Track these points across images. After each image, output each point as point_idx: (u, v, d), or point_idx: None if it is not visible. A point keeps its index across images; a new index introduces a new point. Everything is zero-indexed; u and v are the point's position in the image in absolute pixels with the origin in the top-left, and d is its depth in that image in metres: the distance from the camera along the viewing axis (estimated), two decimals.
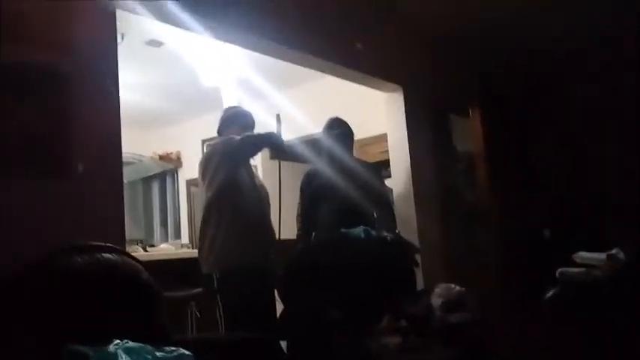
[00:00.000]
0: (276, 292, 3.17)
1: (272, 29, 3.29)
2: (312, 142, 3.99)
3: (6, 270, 1.82)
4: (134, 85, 5.22)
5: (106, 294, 2.00)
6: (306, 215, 3.65)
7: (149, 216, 7.38)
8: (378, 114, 4.60)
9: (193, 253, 3.79)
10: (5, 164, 2.13)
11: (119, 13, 2.58)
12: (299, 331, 2.57)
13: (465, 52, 4.63)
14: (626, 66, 4.02)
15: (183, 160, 7.05)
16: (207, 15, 2.93)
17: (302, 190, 3.73)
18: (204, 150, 6.37)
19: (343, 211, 3.43)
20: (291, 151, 3.56)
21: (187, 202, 6.99)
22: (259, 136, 3.24)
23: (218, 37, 3.18)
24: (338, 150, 3.68)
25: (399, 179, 4.29)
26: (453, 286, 2.73)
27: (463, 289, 2.71)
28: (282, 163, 3.37)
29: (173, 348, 1.88)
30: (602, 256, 2.71)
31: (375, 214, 3.62)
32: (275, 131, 3.25)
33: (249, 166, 3.33)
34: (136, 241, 4.62)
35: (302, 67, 3.91)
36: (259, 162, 5.80)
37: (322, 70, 4.00)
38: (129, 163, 6.30)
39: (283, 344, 2.56)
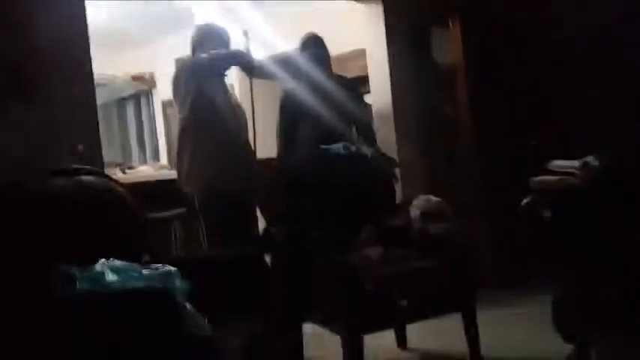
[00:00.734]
0: (258, 209, 3.20)
1: None
2: (287, 60, 3.91)
3: None
4: (102, 3, 5.00)
5: (88, 215, 2.00)
6: (285, 134, 3.65)
7: (125, 138, 7.30)
8: (356, 28, 4.49)
9: (173, 174, 3.79)
10: None
11: None
12: (281, 246, 2.62)
13: None
14: None
15: (157, 80, 6.88)
16: None
17: (280, 109, 3.69)
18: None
19: (322, 129, 3.42)
20: (263, 69, 3.50)
21: (164, 124, 6.90)
22: (226, 53, 3.18)
23: None
24: (315, 67, 3.62)
25: (378, 95, 4.25)
26: (431, 197, 2.78)
27: (441, 200, 2.76)
28: (255, 81, 3.31)
29: (159, 265, 1.91)
30: (577, 163, 2.76)
31: (353, 131, 3.63)
32: (243, 48, 3.18)
33: (224, 84, 3.27)
34: (113, 164, 4.57)
35: None
36: (235, 81, 5.69)
37: None
38: (101, 85, 6.13)
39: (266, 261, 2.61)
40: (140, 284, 1.79)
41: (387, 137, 4.06)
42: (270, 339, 1.93)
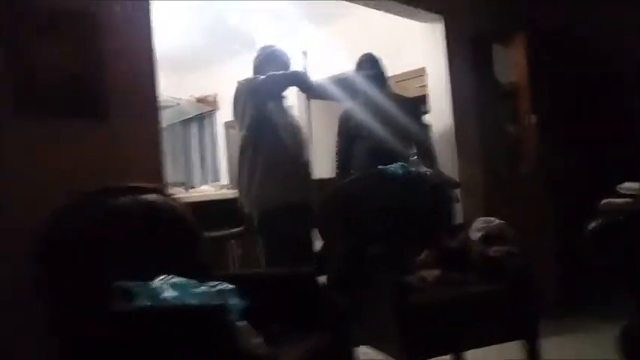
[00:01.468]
0: (315, 229, 3.21)
1: None
2: (346, 80, 3.93)
3: (49, 208, 1.88)
4: (168, 26, 5.19)
5: (149, 233, 2.06)
6: (344, 154, 3.67)
7: (188, 159, 7.49)
8: (414, 47, 4.47)
9: (232, 193, 3.85)
10: (42, 104, 2.17)
11: None
12: (337, 266, 2.60)
13: None
14: None
15: (220, 102, 7.06)
16: None
17: (339, 128, 3.72)
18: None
19: (380, 149, 3.41)
20: (321, 90, 3.52)
21: (226, 144, 7.05)
22: (284, 74, 3.22)
23: None
24: (373, 87, 3.62)
25: (438, 114, 4.20)
26: (492, 219, 2.70)
27: (503, 222, 2.67)
28: (314, 102, 3.34)
29: (216, 282, 1.93)
30: None
31: (413, 151, 3.60)
32: (302, 69, 3.22)
33: (282, 105, 3.31)
34: (177, 184, 4.70)
35: (335, 1, 3.81)
36: (294, 102, 5.77)
37: (357, 2, 3.88)
38: (167, 107, 6.37)
39: (321, 280, 2.60)
40: (196, 301, 1.82)
41: (448, 157, 3.99)
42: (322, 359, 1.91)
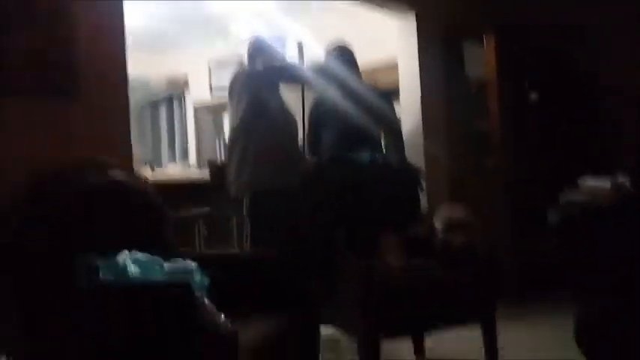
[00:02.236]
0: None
1: None
2: (320, 67, 3.93)
3: (15, 186, 1.85)
4: (140, 7, 5.09)
5: (113, 208, 2.04)
6: (313, 141, 3.65)
7: (157, 139, 7.41)
8: (390, 41, 4.49)
9: (200, 174, 3.83)
10: (11, 82, 2.13)
11: None
12: (303, 248, 2.63)
13: None
14: None
15: (191, 84, 6.99)
16: None
17: (310, 117, 3.71)
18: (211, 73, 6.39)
19: (349, 136, 3.43)
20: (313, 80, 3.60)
21: (195, 126, 7.00)
22: (280, 67, 3.38)
23: None
24: (346, 75, 3.62)
25: (408, 107, 4.24)
26: (455, 207, 2.76)
27: (467, 211, 2.73)
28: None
29: (180, 260, 1.93)
30: (607, 181, 2.72)
31: (382, 139, 3.63)
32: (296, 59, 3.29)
33: (277, 94, 3.38)
34: (143, 162, 4.65)
35: None
36: (287, 87, 5.80)
37: None
38: (135, 86, 6.26)
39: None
40: (161, 278, 1.81)
41: (415, 148, 4.04)
42: (287, 338, 1.93)
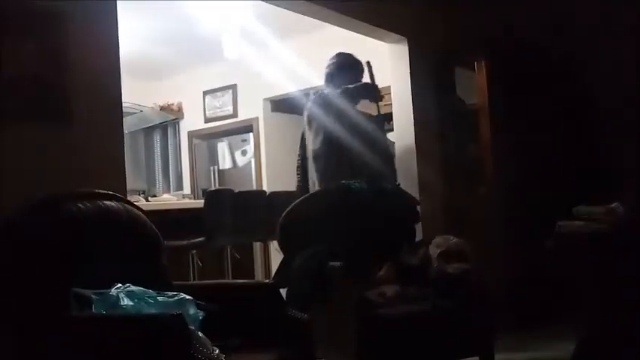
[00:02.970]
0: (275, 242, 3.20)
1: None
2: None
3: (6, 213, 1.83)
4: (134, 33, 5.14)
5: (107, 240, 2.02)
6: (305, 169, 3.65)
7: (151, 167, 7.40)
8: (382, 66, 4.53)
9: (195, 203, 3.80)
10: (2, 105, 2.12)
11: None
12: (297, 279, 2.60)
13: (472, 4, 4.54)
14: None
15: (185, 111, 7.02)
16: None
17: (302, 143, 3.71)
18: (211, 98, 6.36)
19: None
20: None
21: (189, 154, 7.00)
22: (356, 87, 3.55)
23: None
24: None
25: (401, 132, 4.26)
26: (451, 237, 2.75)
27: (461, 240, 2.72)
28: None
29: (174, 293, 1.91)
30: (602, 209, 2.72)
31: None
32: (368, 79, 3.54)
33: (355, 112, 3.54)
34: (137, 192, 4.63)
35: (304, 17, 3.84)
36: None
37: (325, 20, 3.93)
38: (130, 113, 6.28)
39: (283, 293, 2.60)
40: (154, 310, 1.79)
41: (409, 175, 4.04)
42: None
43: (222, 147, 6.63)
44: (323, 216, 2.86)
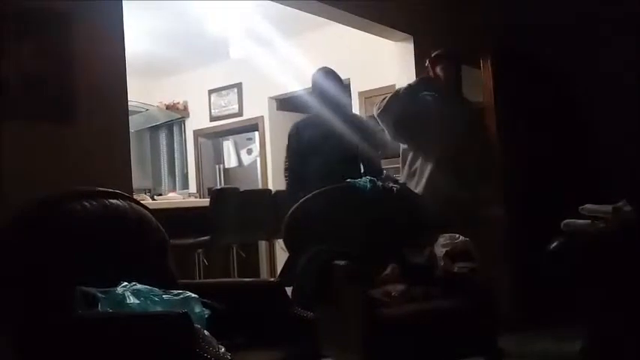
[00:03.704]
0: (281, 240, 3.19)
1: None
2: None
3: (12, 211, 1.84)
4: (139, 33, 5.16)
5: (113, 239, 2.02)
6: (296, 170, 3.50)
7: (156, 166, 7.42)
8: (386, 64, 4.53)
9: (200, 202, 3.81)
10: (7, 104, 2.13)
11: None
12: (303, 278, 2.60)
13: (478, 2, 4.53)
14: None
15: (190, 110, 7.03)
16: None
17: (290, 144, 3.55)
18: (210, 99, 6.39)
19: (333, 164, 3.33)
20: None
21: (195, 152, 7.01)
22: (419, 80, 3.75)
23: None
24: (334, 101, 3.56)
25: None
26: (457, 236, 2.74)
27: (467, 239, 2.72)
28: None
29: (180, 291, 1.92)
30: (609, 208, 2.71)
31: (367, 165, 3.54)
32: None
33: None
34: (143, 190, 4.65)
35: (309, 15, 3.84)
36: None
37: (331, 18, 3.92)
38: (135, 112, 6.31)
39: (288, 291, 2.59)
40: (160, 309, 1.80)
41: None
42: None
43: (228, 145, 6.65)
44: (328, 215, 2.86)
